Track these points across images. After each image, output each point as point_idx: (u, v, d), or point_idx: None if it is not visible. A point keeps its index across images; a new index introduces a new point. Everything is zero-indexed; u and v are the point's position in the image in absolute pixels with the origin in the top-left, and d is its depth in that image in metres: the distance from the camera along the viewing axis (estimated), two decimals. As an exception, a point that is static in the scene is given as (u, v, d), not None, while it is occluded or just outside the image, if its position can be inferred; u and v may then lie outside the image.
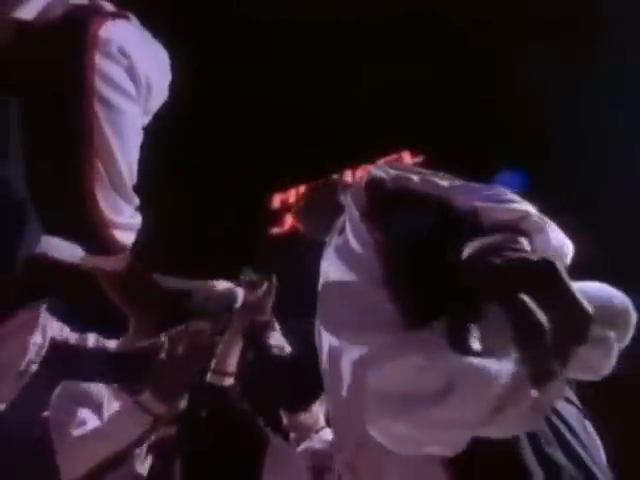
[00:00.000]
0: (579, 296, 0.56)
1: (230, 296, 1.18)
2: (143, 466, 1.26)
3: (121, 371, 1.19)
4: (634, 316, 0.63)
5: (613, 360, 0.63)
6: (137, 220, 0.74)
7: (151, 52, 0.70)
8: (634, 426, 2.54)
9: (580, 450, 0.73)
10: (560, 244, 0.83)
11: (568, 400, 0.84)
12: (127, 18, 0.67)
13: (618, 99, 3.42)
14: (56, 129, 0.58)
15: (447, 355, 0.66)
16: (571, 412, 0.82)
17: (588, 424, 0.85)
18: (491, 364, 0.61)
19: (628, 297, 0.71)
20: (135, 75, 0.65)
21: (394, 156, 4.86)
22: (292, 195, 5.19)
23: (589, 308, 0.55)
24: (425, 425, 0.67)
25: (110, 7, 0.69)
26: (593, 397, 0.92)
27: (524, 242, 0.73)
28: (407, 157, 4.83)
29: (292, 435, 1.48)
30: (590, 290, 0.66)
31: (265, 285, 1.49)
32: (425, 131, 4.28)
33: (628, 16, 3.35)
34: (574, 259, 0.86)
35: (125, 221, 0.70)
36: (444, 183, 0.99)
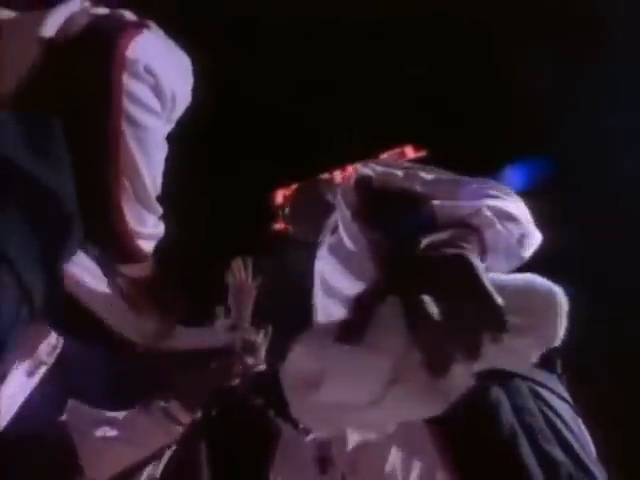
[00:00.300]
0: (490, 289, 0.58)
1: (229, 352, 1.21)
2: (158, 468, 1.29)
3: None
4: (561, 304, 0.61)
5: (538, 348, 0.62)
6: (160, 229, 0.77)
7: (174, 62, 0.72)
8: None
9: (577, 447, 0.76)
10: (519, 238, 0.84)
11: (561, 397, 0.87)
12: (148, 27, 0.69)
13: (620, 98, 3.46)
14: (85, 145, 0.60)
15: (326, 342, 0.67)
16: (565, 409, 0.85)
17: (580, 421, 0.89)
18: (367, 351, 0.61)
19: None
20: (161, 92, 0.67)
21: (397, 150, 4.86)
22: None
23: (499, 300, 0.57)
24: (318, 408, 0.67)
25: (131, 16, 0.70)
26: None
27: (470, 237, 0.75)
28: (410, 152, 4.82)
29: (301, 424, 1.51)
30: (513, 281, 0.67)
31: (261, 334, 1.46)
32: (428, 126, 4.29)
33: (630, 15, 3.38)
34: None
35: (149, 231, 0.73)
36: (429, 177, 1.02)
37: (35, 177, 0.53)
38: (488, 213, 0.82)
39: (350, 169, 4.59)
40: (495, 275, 0.69)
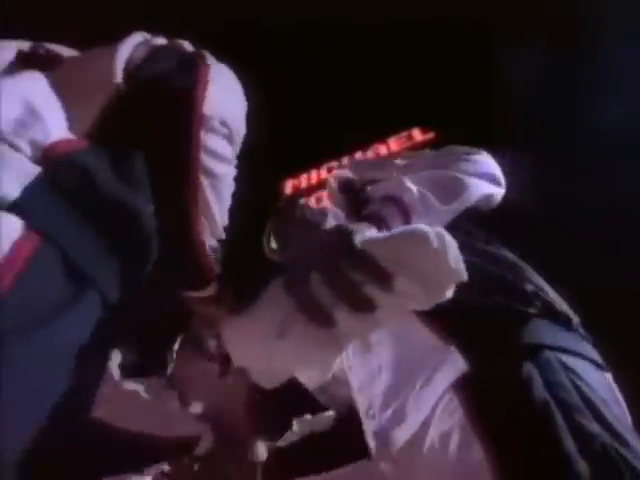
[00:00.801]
0: (357, 248, 0.63)
1: None
2: None
3: None
4: (431, 242, 0.64)
5: (424, 287, 0.65)
6: (220, 251, 0.81)
7: (236, 98, 0.74)
8: None
9: (610, 417, 0.78)
10: (444, 196, 0.93)
11: (586, 358, 0.89)
12: (204, 58, 0.71)
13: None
14: (167, 189, 0.64)
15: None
16: (594, 375, 0.87)
17: (609, 376, 0.91)
18: (254, 316, 0.68)
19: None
20: (232, 139, 0.70)
21: (404, 134, 4.87)
22: (304, 180, 5.24)
23: (358, 247, 0.63)
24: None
25: (189, 46, 0.73)
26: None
27: (390, 207, 0.83)
28: (417, 134, 4.83)
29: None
30: (390, 233, 0.71)
31: None
32: (435, 109, 4.32)
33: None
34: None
35: (214, 255, 0.77)
36: (402, 163, 1.08)
37: (120, 201, 0.56)
38: (407, 183, 0.92)
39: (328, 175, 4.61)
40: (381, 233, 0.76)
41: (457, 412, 0.85)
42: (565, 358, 0.86)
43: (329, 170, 4.98)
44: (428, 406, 0.90)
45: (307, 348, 0.66)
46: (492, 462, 0.76)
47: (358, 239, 0.65)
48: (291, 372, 0.70)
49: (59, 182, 0.53)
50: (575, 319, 0.98)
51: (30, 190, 0.51)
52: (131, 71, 0.64)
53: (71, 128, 0.57)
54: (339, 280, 0.61)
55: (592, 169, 3.48)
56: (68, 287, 0.52)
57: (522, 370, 0.83)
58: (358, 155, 4.87)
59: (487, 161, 1.07)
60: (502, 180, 1.09)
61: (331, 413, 1.40)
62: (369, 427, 0.99)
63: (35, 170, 0.52)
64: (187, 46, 0.73)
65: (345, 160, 4.88)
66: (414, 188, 0.92)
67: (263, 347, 0.65)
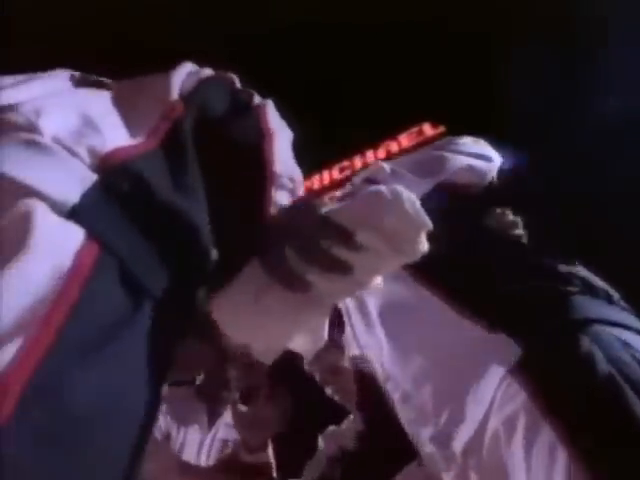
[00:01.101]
0: (319, 213, 0.65)
1: None
2: None
3: None
4: (384, 196, 0.65)
5: (387, 240, 0.65)
6: None
7: (288, 139, 0.74)
8: None
9: None
10: (420, 170, 1.04)
11: (630, 327, 0.88)
12: (253, 97, 0.71)
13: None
14: (236, 240, 0.64)
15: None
16: None
17: None
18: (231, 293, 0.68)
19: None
20: (295, 191, 0.70)
21: (415, 129, 4.88)
22: (316, 181, 5.24)
23: (320, 212, 0.65)
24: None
25: (236, 80, 0.74)
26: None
27: (366, 186, 0.91)
28: (428, 129, 4.83)
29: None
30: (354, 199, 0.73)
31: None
32: (445, 104, 4.35)
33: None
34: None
35: None
36: (396, 162, 1.16)
37: (176, 210, 0.56)
38: (382, 164, 1.04)
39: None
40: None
41: (519, 396, 0.84)
42: (611, 330, 0.86)
43: (341, 170, 4.98)
44: (487, 398, 0.88)
45: (287, 313, 0.67)
46: (565, 441, 0.74)
47: (323, 210, 0.67)
48: (283, 341, 0.71)
49: (115, 189, 0.53)
50: (615, 294, 0.97)
51: (89, 196, 0.51)
52: (185, 98, 0.65)
53: (127, 137, 0.58)
54: (307, 246, 0.63)
55: (590, 165, 3.49)
56: (127, 297, 0.51)
57: (581, 345, 0.82)
58: (369, 154, 4.88)
59: (474, 143, 1.12)
60: (492, 157, 1.12)
61: (352, 417, 1.38)
62: (423, 434, 0.97)
63: (93, 177, 0.52)
64: (236, 81, 0.74)
65: (356, 159, 4.89)
66: (387, 167, 1.01)
67: (247, 319, 0.67)
